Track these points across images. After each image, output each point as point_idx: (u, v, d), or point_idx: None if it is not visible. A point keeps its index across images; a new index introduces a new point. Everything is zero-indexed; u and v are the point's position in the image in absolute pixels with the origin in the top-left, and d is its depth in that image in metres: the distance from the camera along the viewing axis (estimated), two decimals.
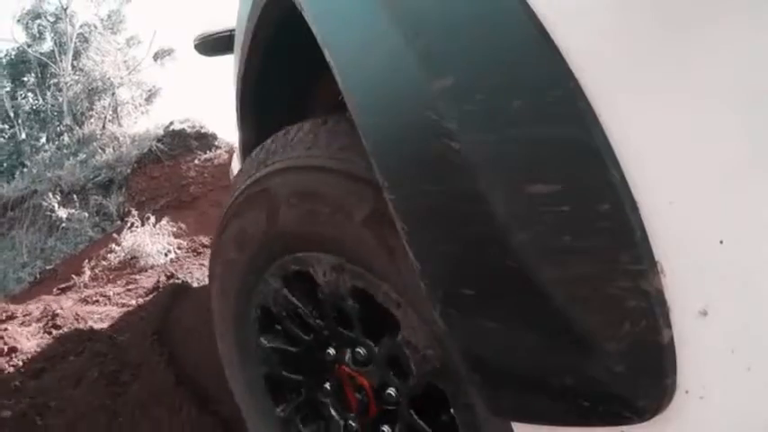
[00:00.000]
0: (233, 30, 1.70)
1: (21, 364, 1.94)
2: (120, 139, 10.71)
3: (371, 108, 0.63)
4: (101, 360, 1.88)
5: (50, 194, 8.79)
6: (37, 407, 1.59)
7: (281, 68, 1.25)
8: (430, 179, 0.56)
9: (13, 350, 2.04)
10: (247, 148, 1.47)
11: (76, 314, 2.58)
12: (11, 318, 2.52)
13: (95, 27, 13.53)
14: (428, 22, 0.58)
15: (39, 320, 2.63)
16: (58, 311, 2.72)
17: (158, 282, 3.96)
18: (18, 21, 13.56)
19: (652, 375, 0.47)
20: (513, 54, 0.51)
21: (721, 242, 0.44)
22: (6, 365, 1.83)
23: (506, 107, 0.51)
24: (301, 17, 0.78)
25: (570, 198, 0.48)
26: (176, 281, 3.68)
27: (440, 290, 0.56)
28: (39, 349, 2.10)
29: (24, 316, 2.71)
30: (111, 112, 12.55)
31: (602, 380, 0.48)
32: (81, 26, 13.34)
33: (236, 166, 2.48)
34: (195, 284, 3.46)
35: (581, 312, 0.48)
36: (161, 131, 9.84)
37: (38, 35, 13.66)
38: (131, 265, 5.94)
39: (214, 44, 2.05)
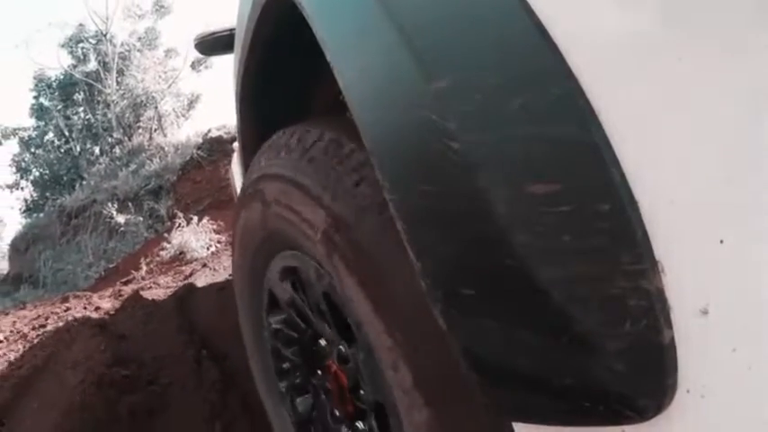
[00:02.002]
0: (233, 29, 1.68)
1: (102, 312, 3.47)
2: (166, 148, 11.60)
3: (371, 108, 0.62)
4: (144, 309, 3.31)
5: (109, 203, 9.94)
6: (114, 324, 3.09)
7: (281, 68, 1.23)
8: (430, 179, 0.54)
9: (97, 308, 3.58)
10: (247, 148, 1.45)
11: (133, 291, 4.09)
12: (90, 297, 4.10)
13: (134, 46, 14.12)
14: (427, 20, 0.56)
15: (110, 296, 4.17)
16: (122, 290, 4.41)
17: (193, 270, 5.18)
18: (62, 46, 14.24)
19: (653, 374, 0.45)
20: (513, 53, 0.50)
21: (721, 242, 0.42)
22: (94, 312, 3.47)
23: (506, 106, 0.49)
24: (301, 16, 0.76)
25: (570, 198, 0.46)
26: (207, 269, 5.00)
27: (440, 290, 0.54)
28: (111, 307, 3.60)
29: (99, 296, 4.25)
30: (156, 123, 13.18)
31: (603, 379, 0.46)
32: (121, 44, 13.94)
33: (236, 167, 2.48)
34: (222, 271, 4.69)
35: (581, 312, 0.46)
36: (200, 139, 10.67)
37: (82, 57, 14.25)
38: (180, 259, 6.89)
39: (214, 43, 2.03)
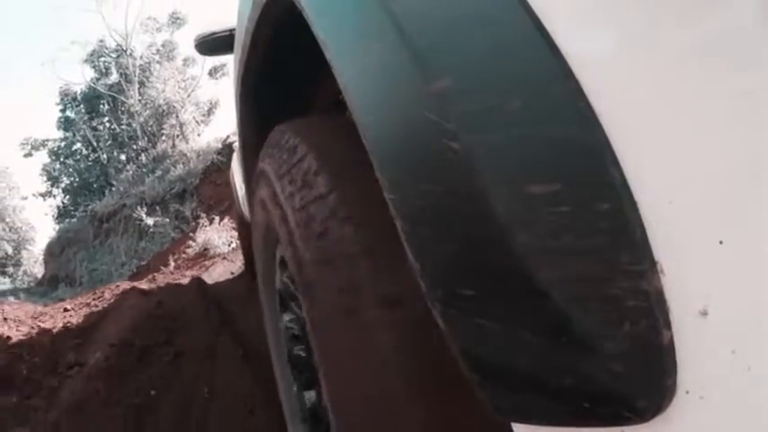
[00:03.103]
0: (233, 29, 1.67)
1: (140, 291, 4.34)
2: (188, 154, 12.24)
3: (371, 108, 0.61)
4: (173, 287, 4.50)
5: (138, 207, 10.62)
6: (152, 295, 4.13)
7: (281, 68, 1.22)
8: (429, 179, 0.54)
9: (134, 288, 4.49)
10: (247, 148, 1.45)
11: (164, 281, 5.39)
12: (129, 284, 5.04)
13: (153, 58, 14.65)
14: (428, 20, 0.56)
15: (145, 282, 5.26)
16: (156, 278, 5.55)
17: (214, 263, 6.19)
18: (85, 62, 14.89)
19: (652, 375, 0.44)
20: (513, 53, 0.49)
21: (721, 242, 0.41)
22: (137, 288, 4.50)
23: (506, 107, 0.48)
24: (301, 16, 0.76)
25: (570, 198, 0.46)
26: (226, 261, 6.11)
27: (439, 290, 0.53)
28: (148, 288, 4.60)
29: (138, 282, 5.26)
30: (178, 130, 13.54)
31: (602, 380, 0.45)
32: (141, 57, 14.52)
33: (236, 167, 2.49)
34: (237, 262, 5.73)
35: (580, 312, 0.45)
36: (219, 145, 11.22)
37: (104, 71, 14.86)
38: (204, 255, 7.59)
39: (214, 44, 2.02)
